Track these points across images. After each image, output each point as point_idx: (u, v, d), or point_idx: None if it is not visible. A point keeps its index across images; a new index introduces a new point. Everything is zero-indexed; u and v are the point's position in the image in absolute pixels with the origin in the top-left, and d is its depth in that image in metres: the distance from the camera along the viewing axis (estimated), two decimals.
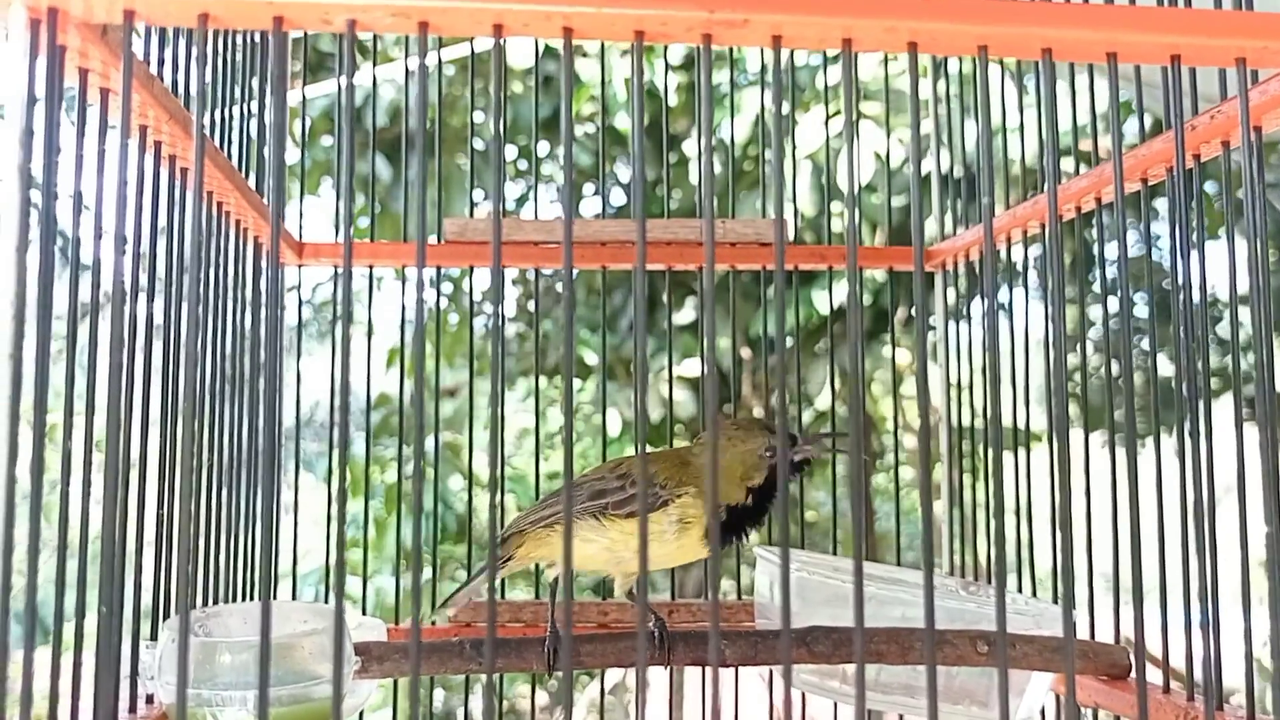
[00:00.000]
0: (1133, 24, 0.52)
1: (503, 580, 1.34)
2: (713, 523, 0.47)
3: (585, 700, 3.66)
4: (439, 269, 1.28)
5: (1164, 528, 0.81)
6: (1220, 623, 0.74)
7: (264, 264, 1.00)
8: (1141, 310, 2.98)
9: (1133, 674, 0.87)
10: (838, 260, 1.28)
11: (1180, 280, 0.77)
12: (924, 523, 0.49)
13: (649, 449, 0.96)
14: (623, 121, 3.33)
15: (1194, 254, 0.78)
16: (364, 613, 1.19)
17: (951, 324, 1.29)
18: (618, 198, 3.73)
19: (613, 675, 3.46)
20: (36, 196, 0.52)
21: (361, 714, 1.10)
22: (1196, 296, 0.77)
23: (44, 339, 0.52)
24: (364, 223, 2.75)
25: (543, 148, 3.59)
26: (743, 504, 0.91)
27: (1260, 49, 0.53)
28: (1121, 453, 0.79)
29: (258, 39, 1.03)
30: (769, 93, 1.51)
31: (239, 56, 1.00)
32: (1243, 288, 0.69)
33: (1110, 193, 0.92)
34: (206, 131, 0.90)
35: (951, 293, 1.29)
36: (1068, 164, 1.05)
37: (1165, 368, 0.91)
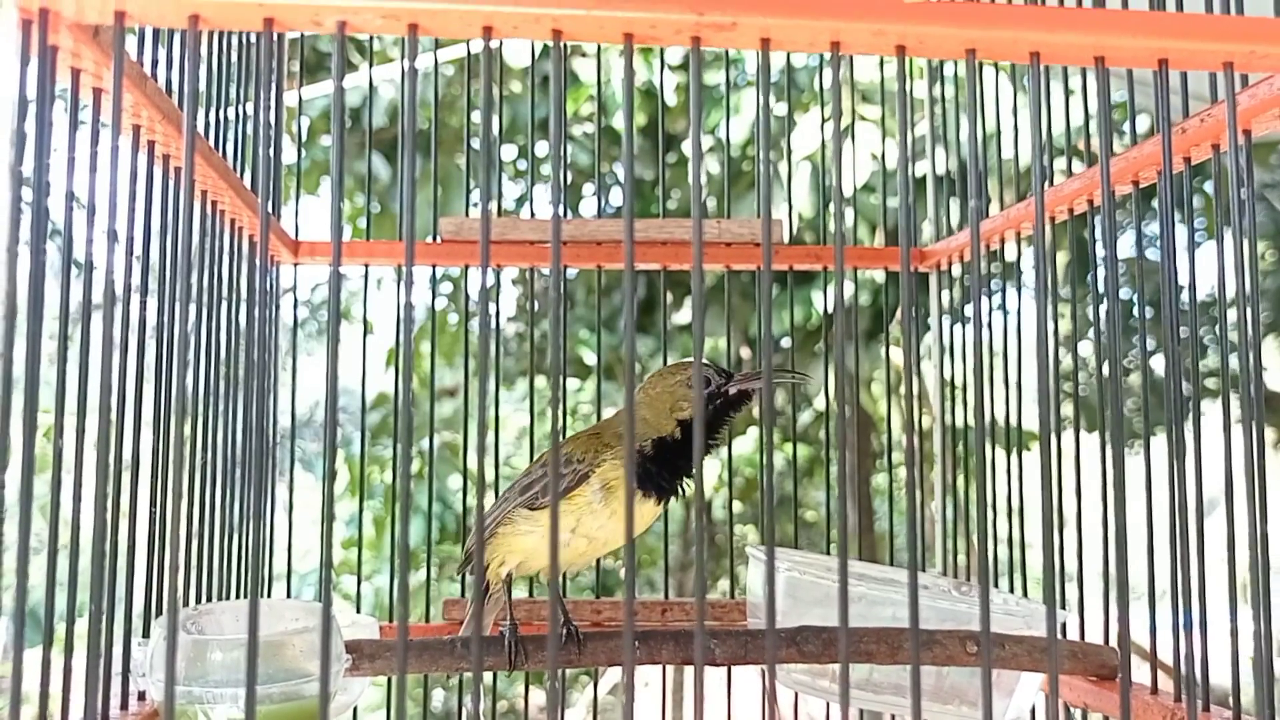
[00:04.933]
0: (1120, 28, 0.53)
1: None
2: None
3: (585, 700, 3.67)
4: (434, 267, 1.28)
5: (1153, 528, 0.82)
6: (1207, 623, 0.74)
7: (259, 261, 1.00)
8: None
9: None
10: (833, 261, 1.28)
11: (1169, 282, 0.78)
12: (908, 523, 0.49)
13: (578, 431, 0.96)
14: (621, 121, 3.32)
15: (1185, 257, 0.78)
16: (358, 611, 1.19)
17: (947, 324, 1.30)
18: (617, 197, 3.73)
19: (614, 675, 3.46)
20: (29, 196, 0.53)
21: (355, 711, 1.10)
22: (1186, 298, 0.77)
23: (35, 337, 0.52)
24: (363, 223, 2.75)
25: (541, 148, 3.59)
26: (672, 435, 0.88)
27: (1248, 53, 0.53)
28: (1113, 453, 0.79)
29: (253, 38, 1.03)
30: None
31: (234, 57, 1.00)
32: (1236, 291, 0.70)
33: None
34: (201, 132, 0.91)
35: (947, 294, 1.30)
36: (1065, 164, 1.05)
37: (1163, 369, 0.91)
